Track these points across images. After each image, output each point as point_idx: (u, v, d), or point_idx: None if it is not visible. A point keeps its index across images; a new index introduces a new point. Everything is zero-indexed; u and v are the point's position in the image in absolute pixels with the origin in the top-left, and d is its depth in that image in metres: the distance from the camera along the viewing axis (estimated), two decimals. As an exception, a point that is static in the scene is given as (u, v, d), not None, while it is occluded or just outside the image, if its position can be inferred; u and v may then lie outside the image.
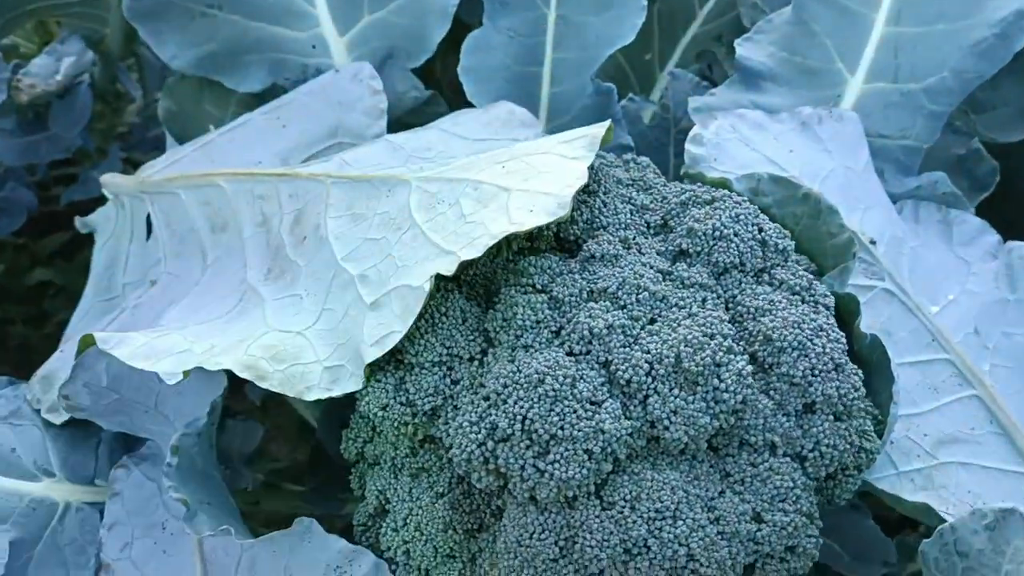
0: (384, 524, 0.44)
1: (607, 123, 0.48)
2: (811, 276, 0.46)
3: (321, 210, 0.51)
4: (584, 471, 0.39)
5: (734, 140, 0.62)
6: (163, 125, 0.70)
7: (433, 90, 0.73)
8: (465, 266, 0.44)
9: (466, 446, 0.40)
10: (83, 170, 1.05)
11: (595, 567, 0.39)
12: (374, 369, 0.44)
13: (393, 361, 0.44)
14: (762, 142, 0.62)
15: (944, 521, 0.42)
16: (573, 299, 0.42)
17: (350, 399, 0.45)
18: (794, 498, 0.41)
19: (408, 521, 0.43)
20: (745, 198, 0.48)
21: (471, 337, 0.43)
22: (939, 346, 0.55)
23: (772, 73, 0.68)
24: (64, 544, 0.51)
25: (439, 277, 0.42)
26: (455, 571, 0.43)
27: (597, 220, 0.46)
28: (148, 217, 0.63)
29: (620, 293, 0.42)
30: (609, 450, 0.39)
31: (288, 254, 0.51)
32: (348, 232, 0.49)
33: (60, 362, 0.58)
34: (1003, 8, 0.60)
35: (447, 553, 0.43)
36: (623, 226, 0.46)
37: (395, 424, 0.43)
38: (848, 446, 0.42)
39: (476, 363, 0.43)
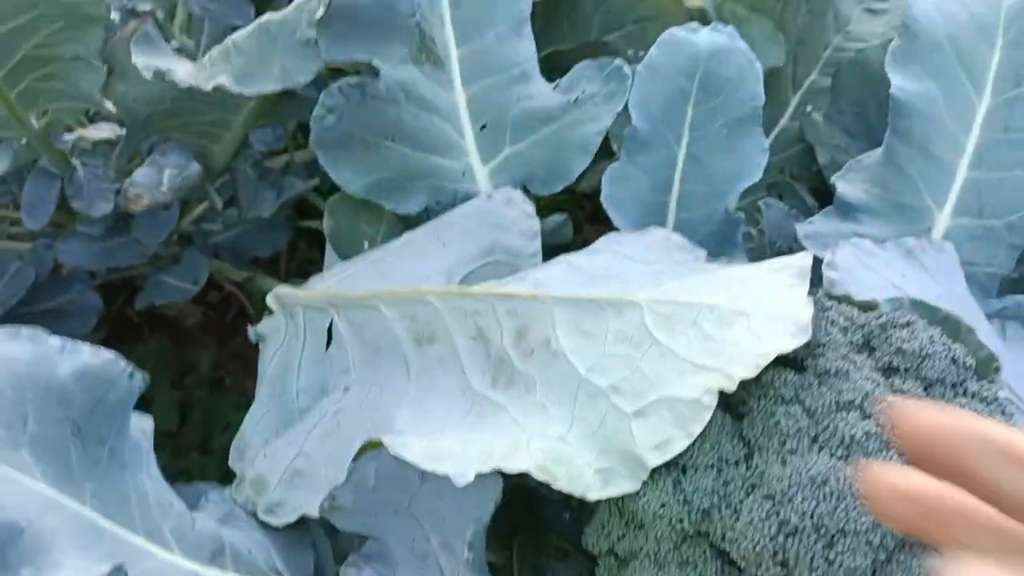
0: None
1: (808, 255, 0.56)
2: (993, 387, 0.54)
3: (548, 326, 0.57)
4: (867, 560, 0.45)
5: (859, 266, 0.71)
6: (328, 241, 0.74)
7: (567, 214, 0.80)
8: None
9: (757, 540, 0.46)
10: (152, 273, 1.07)
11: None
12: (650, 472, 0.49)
13: (665, 465, 0.49)
14: (879, 267, 0.72)
15: None
16: (824, 409, 0.49)
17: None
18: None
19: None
20: (925, 322, 0.56)
21: (734, 442, 0.49)
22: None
23: (867, 206, 0.78)
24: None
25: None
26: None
27: (813, 339, 0.54)
28: (329, 328, 0.68)
29: (864, 404, 0.49)
30: (883, 541, 0.46)
31: (516, 366, 0.57)
32: (583, 347, 0.55)
33: (269, 464, 0.61)
34: (1075, 162, 0.72)
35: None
36: (838, 344, 0.53)
37: (671, 521, 0.48)
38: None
39: (744, 467, 0.49)
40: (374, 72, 0.70)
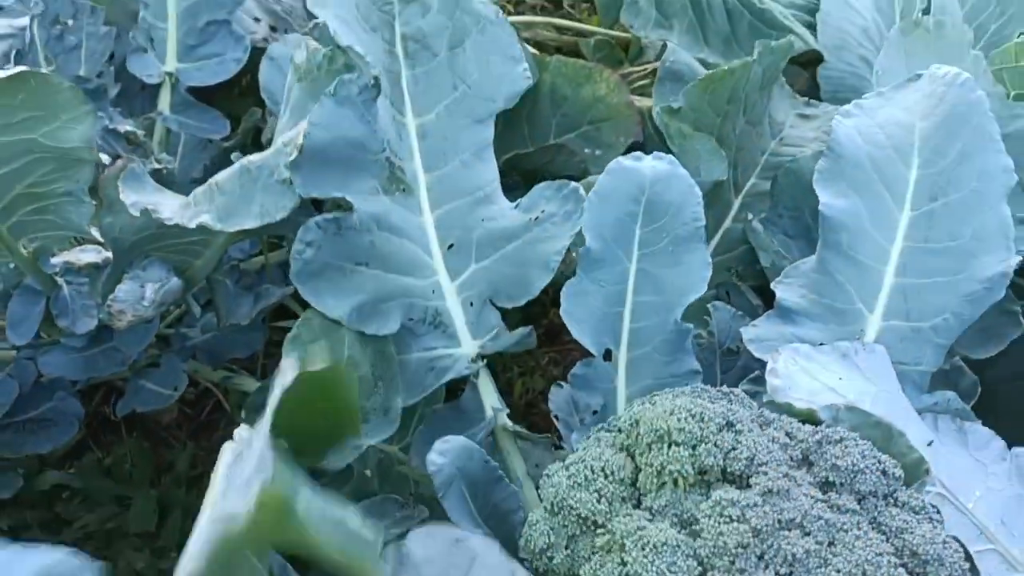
0: None
1: None
2: (920, 498, 0.60)
3: None
4: (810, 670, 0.50)
5: (798, 371, 0.77)
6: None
7: (531, 326, 0.86)
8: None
9: (713, 655, 0.51)
10: (132, 379, 1.10)
11: None
12: (609, 590, 0.54)
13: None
14: (817, 371, 0.78)
15: None
16: (768, 528, 0.55)
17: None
18: None
19: None
20: (857, 436, 0.63)
21: (688, 563, 0.55)
22: (985, 538, 0.70)
23: (805, 311, 0.85)
24: None
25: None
26: None
27: (756, 458, 0.59)
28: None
29: (804, 522, 0.55)
30: (825, 652, 0.51)
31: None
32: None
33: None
34: (989, 269, 0.79)
35: None
36: (779, 462, 0.59)
37: (634, 638, 0.53)
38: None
39: (699, 585, 0.54)
40: (348, 206, 0.75)
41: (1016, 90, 1.01)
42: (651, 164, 0.80)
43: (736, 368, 0.90)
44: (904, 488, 0.61)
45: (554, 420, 0.85)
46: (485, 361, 0.83)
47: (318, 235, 0.74)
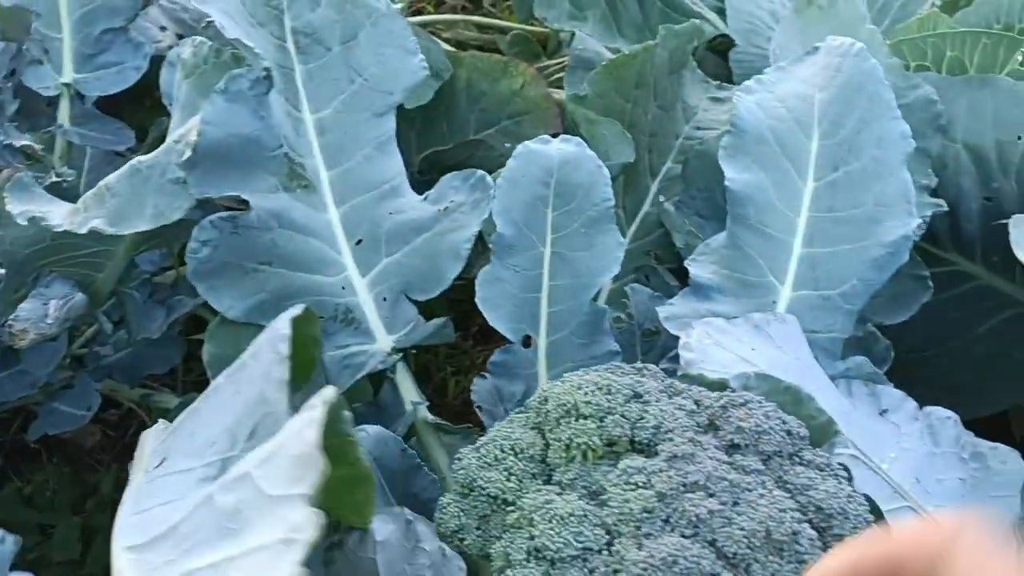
0: None
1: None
2: (826, 455, 0.61)
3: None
4: (721, 632, 0.50)
5: (711, 344, 0.77)
6: (208, 370, 0.76)
7: (447, 317, 0.85)
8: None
9: (620, 623, 0.50)
10: (45, 402, 1.06)
11: None
12: (513, 564, 0.53)
13: (533, 557, 0.53)
14: (730, 344, 0.78)
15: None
16: (673, 492, 0.54)
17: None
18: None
19: None
20: (762, 399, 0.63)
21: (596, 532, 0.54)
22: (900, 497, 0.71)
23: (719, 286, 0.85)
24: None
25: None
26: None
27: (663, 425, 0.59)
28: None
29: (709, 484, 0.55)
30: (736, 613, 0.50)
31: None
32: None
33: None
34: (892, 233, 0.81)
35: None
36: (684, 428, 0.59)
37: (545, 615, 0.52)
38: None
39: (607, 553, 0.54)
40: (244, 204, 0.74)
41: (915, 61, 1.04)
42: (558, 147, 0.80)
43: (656, 348, 0.90)
44: (810, 448, 0.61)
45: (477, 411, 0.84)
46: (402, 355, 0.82)
47: (214, 234, 0.72)
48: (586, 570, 0.53)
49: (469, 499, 0.60)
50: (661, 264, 1.02)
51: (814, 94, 0.86)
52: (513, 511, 0.58)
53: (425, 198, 0.85)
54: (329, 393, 0.48)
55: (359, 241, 0.82)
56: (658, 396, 0.62)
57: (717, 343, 0.78)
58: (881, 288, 0.91)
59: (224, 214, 0.73)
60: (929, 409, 0.78)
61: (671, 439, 0.58)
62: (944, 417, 0.77)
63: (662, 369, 0.73)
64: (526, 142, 0.81)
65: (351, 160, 0.82)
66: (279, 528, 0.43)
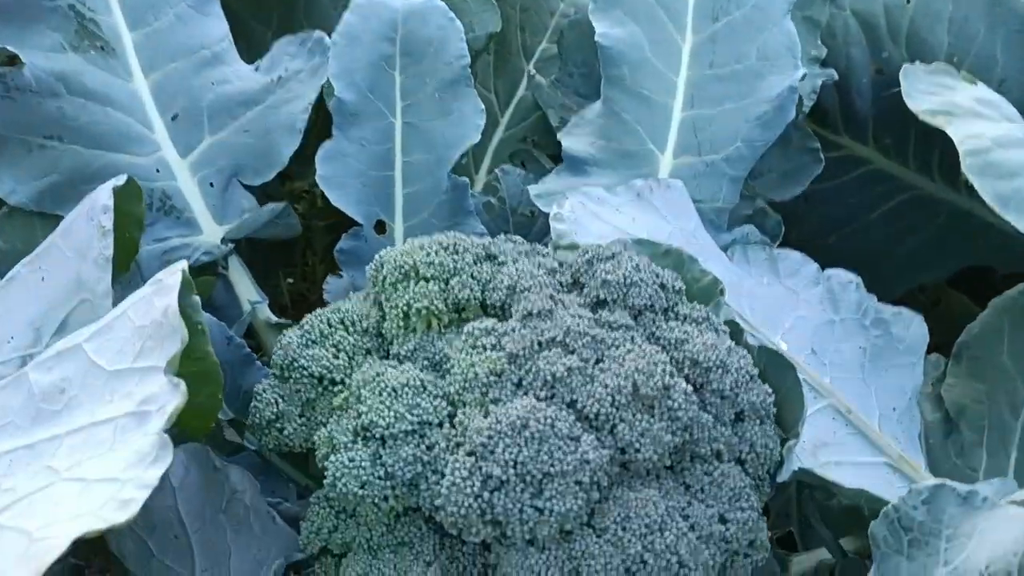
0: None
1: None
2: (705, 308, 0.53)
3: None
4: (579, 503, 0.41)
5: (587, 215, 0.69)
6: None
7: (286, 201, 0.74)
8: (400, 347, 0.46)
9: (461, 501, 0.41)
10: None
11: (599, 593, 0.41)
12: (337, 447, 0.44)
13: (361, 437, 0.44)
14: (608, 214, 0.70)
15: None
16: (526, 351, 0.46)
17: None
18: (746, 497, 0.46)
19: (397, 600, 0.43)
20: (633, 253, 0.54)
21: (436, 403, 0.45)
22: (793, 367, 0.64)
23: (595, 159, 0.77)
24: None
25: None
26: (452, 639, 0.43)
27: (518, 284, 0.50)
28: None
29: (567, 340, 0.46)
30: (595, 479, 0.42)
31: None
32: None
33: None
34: (776, 86, 0.73)
35: (441, 622, 0.43)
36: (543, 285, 0.50)
37: (375, 501, 0.43)
38: (775, 445, 0.48)
39: (448, 426, 0.45)
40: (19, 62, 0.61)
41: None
42: (402, -2, 0.70)
43: (533, 233, 0.81)
44: (687, 302, 0.53)
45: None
46: (233, 247, 0.71)
47: (-18, 98, 0.60)
48: (423, 446, 0.44)
49: (290, 383, 0.50)
50: (540, 151, 0.93)
51: (691, -60, 0.78)
52: (342, 391, 0.48)
53: (256, 67, 0.74)
54: (181, 265, 0.43)
55: (175, 116, 0.70)
56: (515, 256, 0.53)
57: (593, 214, 0.69)
58: (773, 162, 0.85)
59: (-12, 71, 0.60)
60: (830, 272, 0.71)
61: (526, 298, 0.49)
62: (846, 281, 0.70)
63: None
64: (365, -8, 0.70)
65: (160, 20, 0.70)
66: (126, 403, 0.37)
